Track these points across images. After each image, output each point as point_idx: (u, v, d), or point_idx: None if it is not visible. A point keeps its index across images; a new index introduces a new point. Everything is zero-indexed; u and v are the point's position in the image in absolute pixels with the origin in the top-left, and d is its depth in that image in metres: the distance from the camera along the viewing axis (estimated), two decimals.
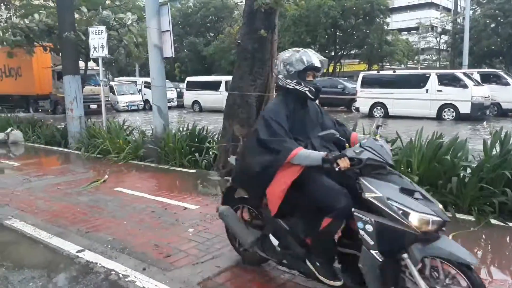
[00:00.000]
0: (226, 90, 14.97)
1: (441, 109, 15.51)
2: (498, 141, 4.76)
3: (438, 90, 15.43)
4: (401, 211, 2.23)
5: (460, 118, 15.09)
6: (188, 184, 6.43)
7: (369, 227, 2.32)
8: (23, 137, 11.16)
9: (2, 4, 15.28)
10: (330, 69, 33.87)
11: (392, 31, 33.37)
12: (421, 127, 5.28)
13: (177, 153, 7.36)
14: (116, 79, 29.30)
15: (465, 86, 14.97)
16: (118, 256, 3.56)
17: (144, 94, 24.83)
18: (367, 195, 2.36)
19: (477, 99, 14.97)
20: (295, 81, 2.72)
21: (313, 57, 2.74)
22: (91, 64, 13.26)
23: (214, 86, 20.86)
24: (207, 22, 39.95)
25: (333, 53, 33.11)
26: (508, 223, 4.20)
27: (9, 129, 11.26)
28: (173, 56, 8.05)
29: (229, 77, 13.61)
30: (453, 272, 2.21)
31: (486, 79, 16.92)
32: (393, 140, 5.57)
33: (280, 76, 2.79)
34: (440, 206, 2.32)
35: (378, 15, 29.91)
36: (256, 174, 2.68)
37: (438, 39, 37.02)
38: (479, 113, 15.24)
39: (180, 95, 25.13)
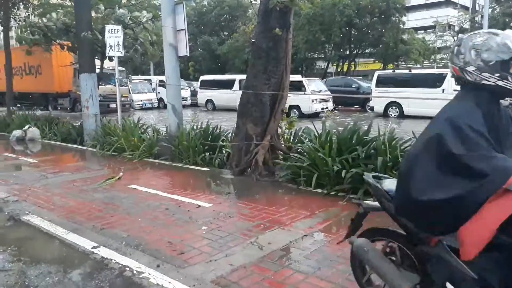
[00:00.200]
0: (240, 89, 14.99)
1: None
2: None
3: (455, 90, 14.95)
4: None
5: None
6: (201, 182, 6.46)
7: None
8: (40, 134, 11.36)
9: (21, 3, 15.58)
10: (345, 68, 33.67)
11: (408, 30, 32.93)
12: None
13: (190, 151, 7.39)
14: (131, 77, 29.61)
15: None
16: (132, 252, 3.59)
17: (159, 92, 25.03)
18: None
19: None
20: (497, 74, 1.96)
21: None
22: (111, 64, 13.40)
23: (228, 85, 20.91)
24: (221, 21, 40.07)
25: (347, 52, 32.88)
26: None
27: (26, 126, 11.48)
28: (188, 55, 8.09)
29: (243, 76, 13.63)
30: None
31: None
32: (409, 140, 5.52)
33: (470, 69, 2.02)
34: None
35: (394, 13, 29.56)
36: (442, 206, 1.89)
37: (455, 37, 36.42)
38: None
39: (194, 93, 25.26)
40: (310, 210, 4.72)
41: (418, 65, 33.52)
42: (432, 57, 36.85)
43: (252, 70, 6.60)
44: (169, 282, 3.04)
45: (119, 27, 9.25)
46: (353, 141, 5.64)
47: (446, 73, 15.84)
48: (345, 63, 33.90)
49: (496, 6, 32.34)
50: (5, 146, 10.44)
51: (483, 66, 1.99)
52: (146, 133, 9.12)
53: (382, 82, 17.27)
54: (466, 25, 34.45)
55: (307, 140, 6.19)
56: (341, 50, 32.44)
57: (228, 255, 3.50)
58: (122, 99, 19.24)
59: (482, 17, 28.02)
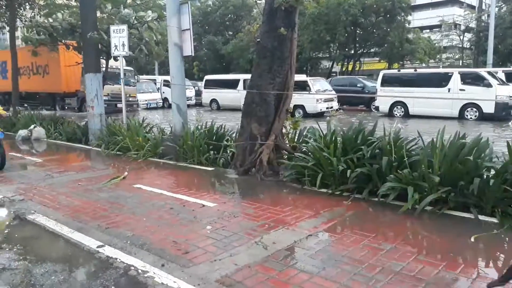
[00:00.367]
0: (244, 88, 15.00)
1: (463, 108, 15.16)
2: None
3: (460, 89, 15.09)
4: None
5: (484, 118, 14.71)
6: (206, 182, 6.46)
7: None
8: (45, 134, 11.42)
9: (27, 4, 15.68)
10: (350, 68, 33.58)
11: (414, 29, 32.81)
12: (443, 127, 5.17)
13: (195, 151, 7.40)
14: (139, 77, 29.69)
15: (489, 85, 14.60)
16: (137, 252, 3.60)
17: (163, 92, 25.08)
18: None
19: (501, 99, 14.57)
20: None
21: None
22: (117, 63, 13.45)
23: (232, 84, 20.93)
24: (226, 20, 40.12)
25: (352, 52, 32.79)
26: None
27: (32, 126, 11.55)
28: (193, 54, 8.09)
29: (248, 76, 13.66)
30: None
31: None
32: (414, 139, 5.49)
33: None
34: None
35: (399, 13, 29.45)
36: None
37: (461, 37, 36.21)
38: (504, 113, 14.82)
39: (198, 93, 25.30)
40: (315, 210, 4.71)
41: (424, 65, 33.39)
42: (438, 56, 36.69)
43: (257, 70, 6.59)
44: (174, 282, 3.04)
45: (124, 27, 9.28)
46: (358, 141, 5.62)
47: (452, 73, 15.77)
48: (350, 63, 33.81)
49: (503, 5, 32.06)
50: (11, 145, 10.49)
51: None
52: (151, 133, 9.15)
53: (387, 81, 17.19)
54: (472, 24, 34.24)
55: (311, 139, 6.17)
56: (346, 49, 32.36)
57: (233, 254, 3.50)
58: (130, 99, 19.37)
59: (488, 16, 27.85)
